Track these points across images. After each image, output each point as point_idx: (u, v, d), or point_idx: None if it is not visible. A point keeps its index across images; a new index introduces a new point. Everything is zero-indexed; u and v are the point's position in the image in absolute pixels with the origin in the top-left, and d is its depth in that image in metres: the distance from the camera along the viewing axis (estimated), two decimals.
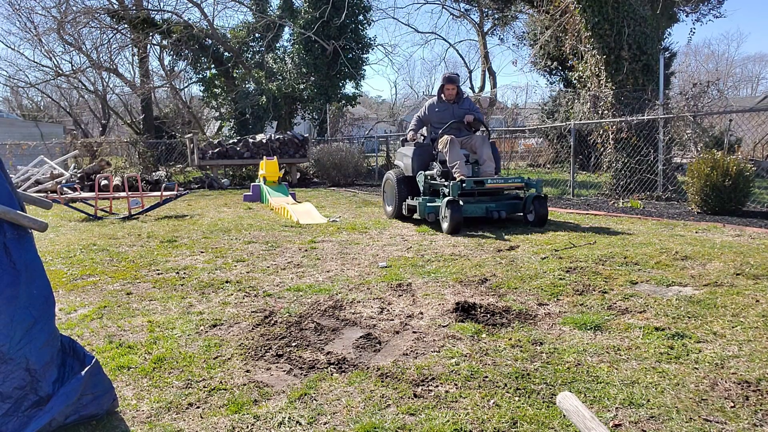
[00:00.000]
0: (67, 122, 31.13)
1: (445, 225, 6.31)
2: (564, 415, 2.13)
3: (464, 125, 7.25)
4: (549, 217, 6.93)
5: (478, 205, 6.60)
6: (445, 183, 6.58)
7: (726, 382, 2.42)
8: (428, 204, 6.69)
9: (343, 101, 21.69)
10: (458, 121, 7.20)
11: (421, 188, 7.07)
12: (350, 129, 22.72)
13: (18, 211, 2.06)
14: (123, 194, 9.24)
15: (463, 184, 6.35)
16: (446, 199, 6.23)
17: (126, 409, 2.31)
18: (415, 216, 7.08)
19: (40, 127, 23.82)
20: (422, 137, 7.61)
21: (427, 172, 7.02)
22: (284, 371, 2.67)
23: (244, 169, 16.70)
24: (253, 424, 2.17)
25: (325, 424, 2.16)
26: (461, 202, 6.26)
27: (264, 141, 15.74)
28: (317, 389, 2.46)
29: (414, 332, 3.16)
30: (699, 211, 7.66)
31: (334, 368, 2.68)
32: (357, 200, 10.95)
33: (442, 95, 7.42)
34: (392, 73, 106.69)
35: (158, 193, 9.30)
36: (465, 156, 6.87)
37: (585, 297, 3.72)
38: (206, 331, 3.25)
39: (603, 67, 10.23)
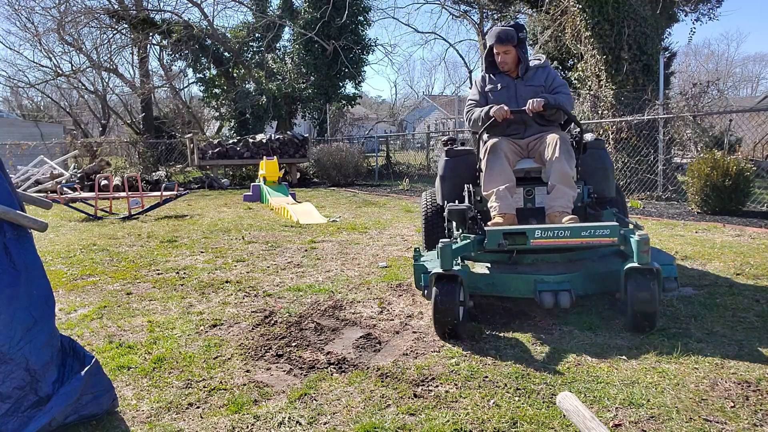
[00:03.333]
0: (67, 122, 31.11)
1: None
2: (564, 415, 2.13)
3: (531, 116, 3.77)
4: None
5: (518, 276, 3.28)
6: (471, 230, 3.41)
7: (726, 382, 2.42)
8: (426, 267, 3.37)
9: (343, 101, 21.69)
10: (519, 111, 3.70)
11: (447, 231, 4.17)
12: (350, 129, 22.74)
13: (18, 211, 2.06)
14: (123, 194, 9.25)
15: (485, 241, 3.23)
16: (433, 272, 3.03)
17: (126, 409, 2.31)
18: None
19: (40, 127, 23.81)
20: (453, 141, 4.29)
21: (453, 207, 3.47)
22: (284, 371, 2.67)
23: (244, 169, 16.70)
24: (253, 424, 2.17)
25: (325, 424, 2.16)
26: (461, 276, 3.00)
27: (264, 141, 15.74)
28: (317, 389, 2.46)
29: (414, 332, 3.16)
30: (699, 211, 7.65)
31: (334, 368, 2.68)
32: (357, 200, 10.95)
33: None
34: (392, 73, 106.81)
35: (158, 193, 9.30)
36: (523, 174, 3.79)
37: (585, 297, 3.72)
38: (206, 331, 3.25)
39: (603, 67, 10.23)
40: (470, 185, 3.89)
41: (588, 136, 3.96)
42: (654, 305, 2.92)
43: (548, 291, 3.10)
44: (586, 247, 3.31)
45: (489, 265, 3.53)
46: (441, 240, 3.06)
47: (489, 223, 3.44)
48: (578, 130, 4.00)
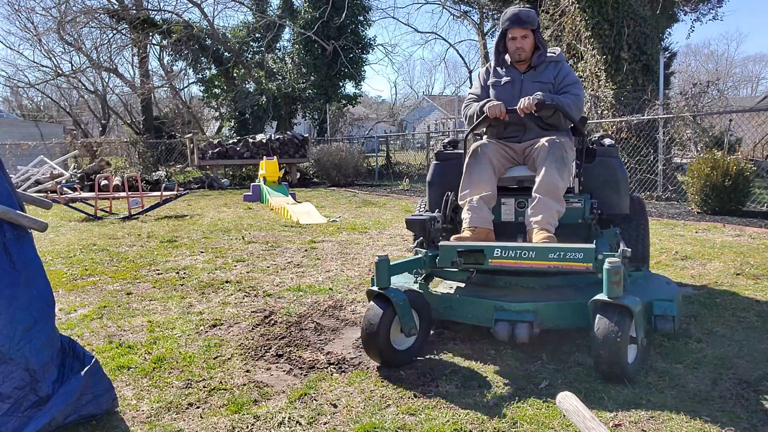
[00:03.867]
0: (67, 122, 31.12)
1: None
2: (564, 415, 2.13)
3: (530, 117, 3.26)
4: None
5: (476, 301, 2.83)
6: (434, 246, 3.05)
7: (726, 382, 2.42)
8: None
9: (343, 101, 21.70)
10: (512, 110, 3.18)
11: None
12: (350, 129, 22.75)
13: (18, 211, 2.06)
14: (123, 194, 9.25)
15: (437, 258, 2.91)
16: (369, 289, 2.71)
17: (126, 409, 2.31)
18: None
19: (40, 127, 23.82)
20: (455, 144, 3.83)
21: (411, 217, 3.15)
22: (284, 371, 2.67)
23: (244, 169, 16.70)
24: (253, 424, 2.17)
25: (325, 424, 2.16)
26: (396, 297, 2.60)
27: (264, 141, 15.75)
28: (317, 389, 2.46)
29: None
30: (699, 211, 7.66)
31: (334, 368, 2.68)
32: (357, 200, 10.95)
33: (506, 55, 3.45)
34: (392, 73, 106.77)
35: (158, 193, 9.30)
36: (515, 184, 3.32)
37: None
38: (206, 331, 3.25)
39: (603, 67, 10.23)
40: (452, 192, 3.33)
41: (605, 142, 3.54)
42: (618, 350, 2.27)
43: (505, 321, 2.62)
44: (569, 272, 2.69)
45: (457, 285, 3.06)
46: (378, 255, 2.68)
47: (453, 237, 2.99)
48: (585, 136, 3.46)
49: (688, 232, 6.14)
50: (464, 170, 3.22)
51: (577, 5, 10.31)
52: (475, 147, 3.24)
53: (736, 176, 7.23)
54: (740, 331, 3.02)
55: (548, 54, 3.37)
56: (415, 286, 2.89)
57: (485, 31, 25.54)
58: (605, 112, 10.25)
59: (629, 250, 2.62)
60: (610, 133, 9.89)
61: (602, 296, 2.34)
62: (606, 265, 2.31)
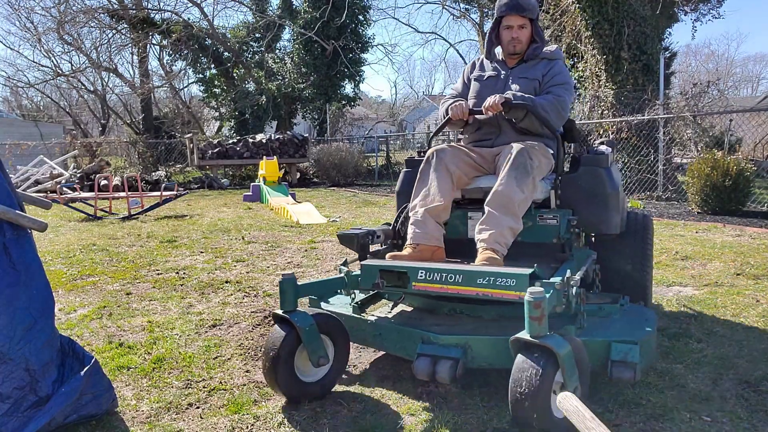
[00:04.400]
0: (67, 122, 31.12)
1: None
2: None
3: (504, 119, 2.93)
4: None
5: (402, 330, 2.46)
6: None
7: (726, 382, 2.41)
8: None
9: (343, 101, 21.70)
10: (477, 110, 2.90)
11: None
12: (350, 129, 22.75)
13: (18, 211, 2.06)
14: (122, 194, 9.25)
15: (359, 279, 2.49)
16: (274, 312, 2.37)
17: (126, 409, 2.31)
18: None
19: (39, 127, 23.81)
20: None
21: (343, 232, 2.91)
22: None
23: (243, 169, 16.70)
24: (253, 424, 2.17)
25: (325, 424, 2.16)
26: (300, 322, 2.25)
27: (264, 141, 15.75)
28: None
29: None
30: (699, 211, 7.66)
31: None
32: (357, 200, 10.95)
33: (497, 49, 3.13)
34: (392, 73, 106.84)
35: (158, 193, 9.30)
36: (482, 195, 2.75)
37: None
38: (206, 332, 3.25)
39: (603, 67, 10.23)
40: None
41: (600, 149, 2.99)
42: (532, 403, 1.83)
43: (427, 356, 2.23)
44: (500, 302, 2.21)
45: (402, 310, 2.72)
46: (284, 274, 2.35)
47: (388, 255, 2.58)
48: (579, 142, 3.25)
49: (689, 232, 6.14)
50: (417, 179, 2.81)
51: (577, 5, 10.31)
52: (431, 152, 2.81)
53: (737, 176, 7.23)
54: (740, 331, 3.02)
55: (545, 50, 3.00)
56: (346, 309, 2.58)
57: (485, 30, 25.56)
58: (605, 112, 10.25)
59: (577, 278, 2.20)
60: (611, 135, 9.90)
61: (523, 334, 1.91)
62: (527, 296, 1.88)
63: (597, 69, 10.40)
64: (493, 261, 2.39)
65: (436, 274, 2.27)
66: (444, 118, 3.02)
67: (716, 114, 11.18)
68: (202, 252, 5.67)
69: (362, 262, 2.50)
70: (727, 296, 3.65)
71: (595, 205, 2.79)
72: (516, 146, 2.67)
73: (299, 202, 9.92)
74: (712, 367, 2.56)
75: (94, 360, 2.21)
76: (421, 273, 2.29)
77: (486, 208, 2.56)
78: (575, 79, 12.63)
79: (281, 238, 6.40)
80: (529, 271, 2.13)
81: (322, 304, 2.73)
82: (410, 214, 2.75)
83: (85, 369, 2.15)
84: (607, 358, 2.17)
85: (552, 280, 2.14)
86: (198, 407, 2.32)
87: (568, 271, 2.27)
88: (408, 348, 2.38)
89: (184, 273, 4.74)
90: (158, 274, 4.75)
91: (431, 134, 3.02)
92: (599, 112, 10.42)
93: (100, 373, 2.22)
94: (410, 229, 2.67)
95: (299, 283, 2.37)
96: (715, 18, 12.68)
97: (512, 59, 3.02)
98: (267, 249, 5.75)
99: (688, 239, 5.65)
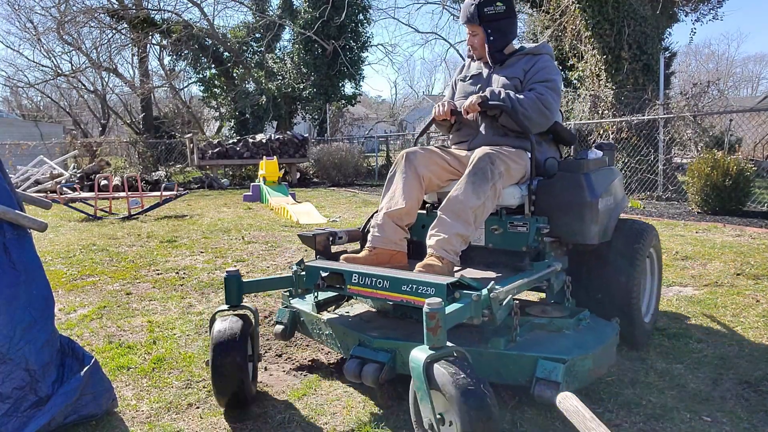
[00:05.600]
0: (67, 122, 31.12)
1: None
2: (564, 416, 2.13)
3: (485, 119, 2.92)
4: None
5: (343, 330, 2.51)
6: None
7: (726, 382, 2.41)
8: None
9: (343, 101, 21.70)
10: (457, 111, 2.89)
11: None
12: (350, 129, 22.74)
13: (18, 211, 2.06)
14: (123, 194, 9.25)
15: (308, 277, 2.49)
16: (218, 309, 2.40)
17: (126, 409, 2.31)
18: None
19: (39, 127, 23.82)
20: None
21: (302, 233, 2.92)
22: (284, 371, 2.67)
23: (243, 169, 16.70)
24: (253, 424, 2.17)
25: (325, 424, 2.16)
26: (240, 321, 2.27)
27: (264, 141, 15.74)
28: (317, 389, 2.46)
29: None
30: (699, 211, 7.66)
31: (334, 368, 2.68)
32: (357, 200, 10.95)
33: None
34: (392, 73, 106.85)
35: (158, 193, 9.30)
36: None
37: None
38: (206, 332, 3.25)
39: (603, 67, 10.24)
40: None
41: (592, 153, 2.87)
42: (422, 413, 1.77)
43: (357, 358, 2.23)
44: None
45: (368, 309, 2.73)
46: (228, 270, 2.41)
47: (342, 256, 2.58)
48: (574, 143, 3.05)
49: (689, 232, 6.14)
50: (386, 181, 2.76)
51: (578, 5, 10.31)
52: (400, 155, 2.76)
53: (737, 176, 7.23)
54: (740, 331, 3.02)
55: (530, 45, 2.97)
56: (308, 307, 2.63)
57: None
58: (605, 111, 10.26)
59: (505, 289, 2.12)
60: (611, 136, 9.89)
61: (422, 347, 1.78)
62: (425, 307, 1.77)
63: (597, 69, 10.41)
64: (431, 268, 2.32)
65: (367, 278, 2.27)
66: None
67: (716, 114, 11.18)
68: (202, 252, 5.67)
69: (306, 263, 2.49)
70: (727, 296, 3.65)
71: (570, 214, 2.61)
72: (479, 151, 2.58)
73: (299, 202, 9.92)
74: (712, 367, 2.57)
75: (93, 360, 2.21)
76: (355, 277, 2.29)
77: (438, 213, 2.49)
78: (575, 79, 12.65)
79: (281, 238, 6.40)
80: (448, 280, 2.08)
81: (293, 301, 2.75)
82: (373, 217, 2.71)
83: (85, 369, 2.15)
84: (533, 374, 2.06)
85: (482, 291, 2.04)
86: (198, 407, 2.32)
87: (493, 282, 2.13)
88: (349, 349, 2.37)
89: (184, 273, 4.74)
90: (158, 274, 4.75)
91: (416, 135, 3.09)
92: (599, 112, 10.42)
93: (99, 373, 2.22)
94: (370, 233, 2.63)
95: (245, 280, 2.43)
96: (716, 18, 12.66)
97: (491, 58, 2.96)
98: (267, 249, 5.75)
99: (688, 239, 5.65)
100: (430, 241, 2.45)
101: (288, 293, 2.73)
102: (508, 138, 2.79)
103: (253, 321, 2.36)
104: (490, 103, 2.70)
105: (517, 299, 2.31)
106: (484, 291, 2.05)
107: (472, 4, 2.86)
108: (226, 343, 2.18)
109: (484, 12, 2.84)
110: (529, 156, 2.71)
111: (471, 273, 2.54)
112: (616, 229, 2.79)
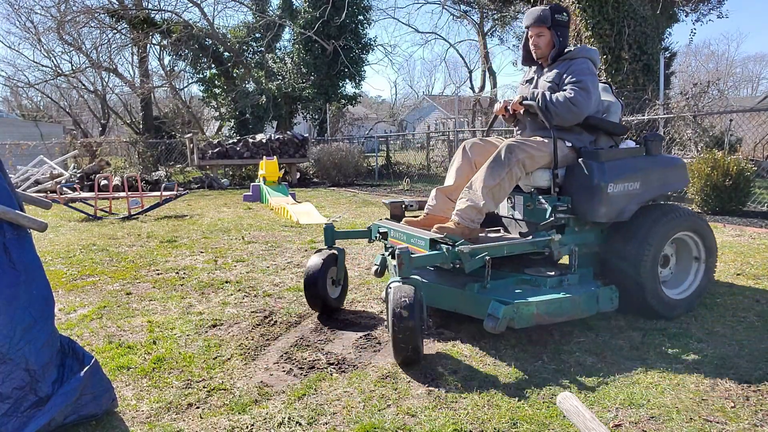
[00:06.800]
0: (67, 122, 31.08)
1: None
2: (564, 416, 2.13)
3: (528, 115, 3.47)
4: None
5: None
6: None
7: (726, 382, 2.42)
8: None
9: (343, 101, 21.69)
10: (505, 108, 3.47)
11: None
12: (350, 129, 22.74)
13: (17, 211, 2.06)
14: (122, 194, 9.24)
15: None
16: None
17: (126, 409, 2.31)
18: None
19: (39, 127, 23.79)
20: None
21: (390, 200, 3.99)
22: (284, 371, 2.67)
23: (244, 169, 16.69)
24: (252, 424, 2.17)
25: (325, 424, 2.16)
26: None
27: (264, 141, 15.74)
28: (317, 389, 2.46)
29: None
30: (699, 211, 7.65)
31: (334, 368, 2.68)
32: (357, 200, 10.95)
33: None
34: (392, 73, 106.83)
35: (158, 193, 9.29)
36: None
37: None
38: (206, 332, 3.25)
39: (603, 67, 10.23)
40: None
41: (623, 144, 3.43)
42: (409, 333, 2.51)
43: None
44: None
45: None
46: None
47: (405, 219, 3.43)
48: (550, 133, 3.36)
49: None
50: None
51: (578, 5, 10.31)
52: (461, 144, 3.53)
53: (737, 176, 7.22)
54: (740, 331, 3.02)
55: (571, 50, 3.42)
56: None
57: (485, 30, 25.57)
58: None
59: (468, 246, 2.84)
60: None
61: (394, 278, 2.72)
62: (396, 251, 2.69)
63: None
64: (445, 229, 3.03)
65: (398, 234, 3.25)
66: None
67: (716, 114, 11.17)
68: (202, 252, 5.67)
69: (373, 222, 3.56)
70: (728, 296, 3.65)
71: (582, 195, 3.14)
72: (505, 142, 3.20)
73: (299, 202, 9.92)
74: (713, 367, 2.57)
75: (93, 360, 2.21)
76: (392, 232, 3.31)
77: (464, 190, 3.18)
78: None
79: (281, 238, 6.39)
80: (431, 236, 2.97)
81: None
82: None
83: (85, 369, 2.15)
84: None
85: (459, 247, 2.82)
86: (198, 407, 2.32)
87: (463, 241, 2.89)
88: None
89: (184, 273, 4.74)
90: (158, 274, 4.75)
91: (486, 129, 3.95)
92: None
93: (99, 373, 2.22)
94: (427, 203, 3.44)
95: (336, 230, 3.53)
96: (718, 18, 12.66)
97: (545, 61, 3.47)
98: (267, 249, 5.75)
99: None
100: (453, 210, 3.16)
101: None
102: (545, 130, 3.28)
103: (338, 257, 3.47)
104: (524, 102, 3.31)
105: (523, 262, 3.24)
106: (458, 246, 2.83)
107: (545, 9, 3.38)
108: (315, 267, 3.33)
109: (555, 17, 3.36)
110: (569, 144, 3.26)
111: (488, 236, 3.33)
112: (643, 211, 3.22)
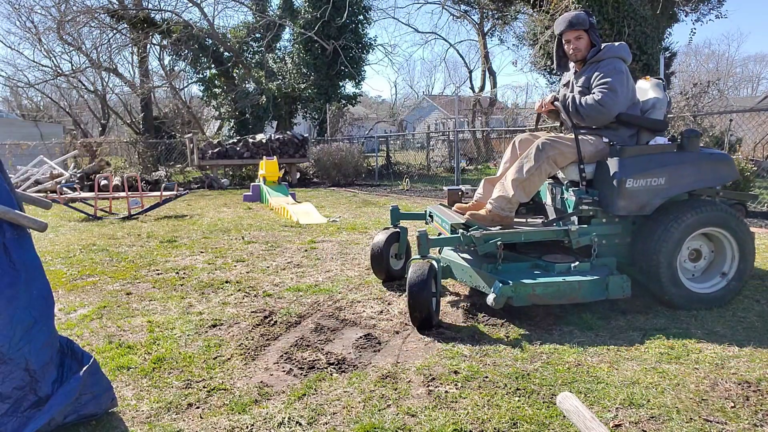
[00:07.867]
0: (67, 122, 31.07)
1: None
2: (564, 416, 2.13)
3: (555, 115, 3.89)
4: None
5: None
6: None
7: (726, 382, 2.41)
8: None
9: (343, 101, 21.68)
10: (541, 108, 3.85)
11: None
12: (350, 129, 22.72)
13: (17, 211, 2.06)
14: (123, 194, 9.24)
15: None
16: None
17: (126, 409, 2.31)
18: None
19: (39, 127, 23.79)
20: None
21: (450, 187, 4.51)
22: (284, 371, 2.67)
23: (244, 169, 16.68)
24: (252, 424, 2.17)
25: (325, 424, 2.16)
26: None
27: (264, 141, 15.73)
28: (317, 389, 2.46)
29: (414, 332, 3.15)
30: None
31: (334, 368, 2.68)
32: (357, 200, 10.94)
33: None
34: (392, 73, 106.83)
35: (158, 193, 9.30)
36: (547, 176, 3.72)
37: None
38: (206, 332, 3.25)
39: None
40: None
41: (653, 141, 3.56)
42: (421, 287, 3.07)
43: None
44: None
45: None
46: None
47: (455, 206, 3.91)
48: (573, 135, 3.60)
49: None
50: None
51: (577, 5, 10.31)
52: (513, 140, 3.93)
53: None
54: (740, 331, 3.02)
55: (603, 50, 3.60)
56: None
57: (485, 31, 25.55)
58: None
59: (481, 231, 3.29)
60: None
61: (416, 256, 3.26)
62: (416, 233, 3.25)
63: None
64: (475, 215, 3.49)
65: (437, 217, 3.85)
66: None
67: (716, 114, 11.17)
68: (202, 252, 5.67)
69: (426, 207, 4.26)
70: None
71: (606, 188, 3.38)
72: (539, 140, 3.51)
73: (299, 202, 9.92)
74: (713, 367, 2.57)
75: (93, 360, 2.21)
76: (436, 218, 3.92)
77: (501, 180, 3.61)
78: None
79: (281, 238, 6.39)
80: (454, 221, 3.52)
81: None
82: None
83: (84, 369, 2.15)
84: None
85: (472, 232, 3.29)
86: (198, 407, 2.32)
87: (480, 228, 3.36)
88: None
89: (184, 273, 4.74)
90: (158, 274, 4.74)
91: (533, 126, 4.66)
92: None
93: (99, 372, 2.22)
94: (476, 192, 3.92)
95: (401, 212, 4.24)
96: (718, 18, 12.63)
97: (578, 65, 3.71)
98: (267, 249, 5.75)
99: None
100: (490, 197, 3.57)
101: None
102: (582, 127, 3.57)
103: (400, 234, 4.12)
104: (554, 103, 3.66)
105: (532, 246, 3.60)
106: (470, 232, 3.30)
107: (580, 13, 3.61)
108: (380, 243, 4.02)
109: (590, 20, 3.59)
110: (605, 140, 3.50)
111: (528, 222, 3.73)
112: (667, 206, 3.35)
